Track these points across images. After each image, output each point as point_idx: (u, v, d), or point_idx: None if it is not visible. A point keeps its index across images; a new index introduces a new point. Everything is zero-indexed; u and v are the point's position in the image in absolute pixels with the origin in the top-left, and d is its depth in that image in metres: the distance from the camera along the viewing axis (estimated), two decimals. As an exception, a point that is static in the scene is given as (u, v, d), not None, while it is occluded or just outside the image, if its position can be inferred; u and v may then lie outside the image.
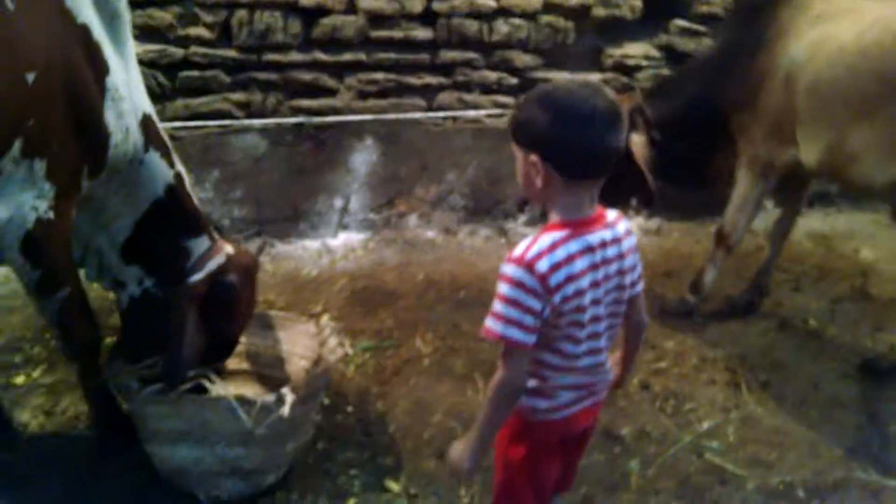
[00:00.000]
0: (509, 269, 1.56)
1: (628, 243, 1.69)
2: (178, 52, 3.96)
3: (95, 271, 2.59)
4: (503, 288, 1.56)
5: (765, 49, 3.36)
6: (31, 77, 2.03)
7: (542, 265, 1.54)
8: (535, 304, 1.55)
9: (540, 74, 4.61)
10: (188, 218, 2.56)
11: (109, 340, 3.01)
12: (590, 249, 1.60)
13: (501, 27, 4.46)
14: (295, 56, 4.16)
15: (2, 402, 2.65)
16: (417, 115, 4.36)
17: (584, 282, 1.59)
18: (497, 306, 1.57)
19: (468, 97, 4.56)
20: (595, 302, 1.63)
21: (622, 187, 3.51)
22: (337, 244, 4.36)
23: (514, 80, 4.62)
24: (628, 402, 3.08)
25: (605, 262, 1.63)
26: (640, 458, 2.76)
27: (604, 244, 1.63)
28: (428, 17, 4.33)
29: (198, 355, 2.42)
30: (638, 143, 3.56)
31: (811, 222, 4.99)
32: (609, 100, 1.53)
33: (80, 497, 2.39)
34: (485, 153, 4.56)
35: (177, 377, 2.31)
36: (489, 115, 4.59)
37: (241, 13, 4.00)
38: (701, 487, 2.64)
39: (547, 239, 1.58)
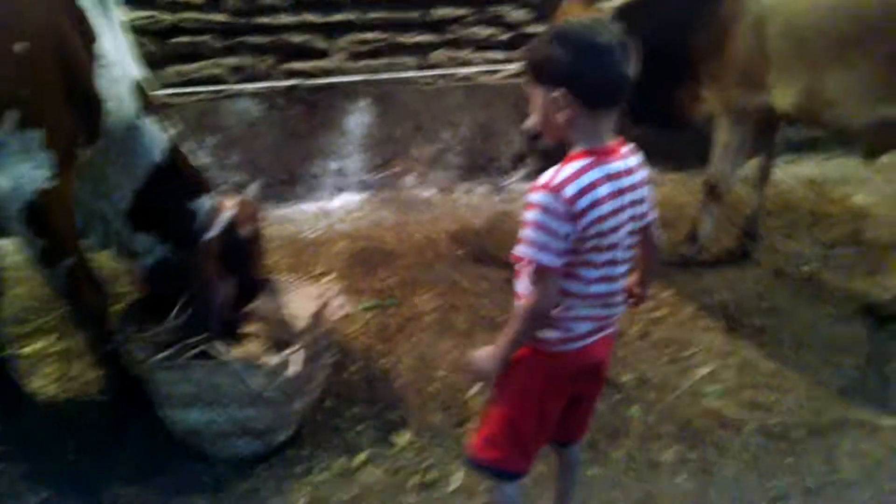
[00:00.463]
0: (538, 196, 1.63)
1: (640, 175, 1.75)
2: (168, 18, 3.92)
3: (101, 239, 2.62)
4: (532, 214, 1.64)
5: None
6: (22, 48, 2.04)
7: (570, 190, 1.61)
8: (564, 228, 1.62)
9: (532, 29, 4.58)
10: (189, 180, 2.60)
11: (118, 306, 3.07)
12: (610, 177, 1.67)
13: (492, -18, 4.42)
14: (285, 18, 4.13)
15: (14, 371, 2.69)
16: (410, 74, 4.34)
17: (606, 208, 1.66)
18: (527, 232, 1.65)
19: (460, 54, 4.54)
20: (614, 229, 1.69)
21: None
22: (334, 206, 4.38)
23: (505, 36, 4.59)
24: (628, 350, 3.14)
25: (621, 191, 1.69)
26: (640, 404, 2.83)
27: (620, 174, 1.69)
28: (418, -26, 4.30)
29: (229, 304, 2.55)
30: None
31: (803, 169, 5.02)
32: (620, 33, 1.63)
33: (93, 463, 2.45)
34: (478, 110, 4.55)
35: (214, 331, 2.44)
36: (481, 72, 4.57)
37: (229, -24, 3.96)
38: (701, 431, 2.70)
39: (572, 166, 1.65)
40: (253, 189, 2.86)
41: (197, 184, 2.63)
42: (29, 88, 2.10)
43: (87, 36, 2.28)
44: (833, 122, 3.15)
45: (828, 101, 3.09)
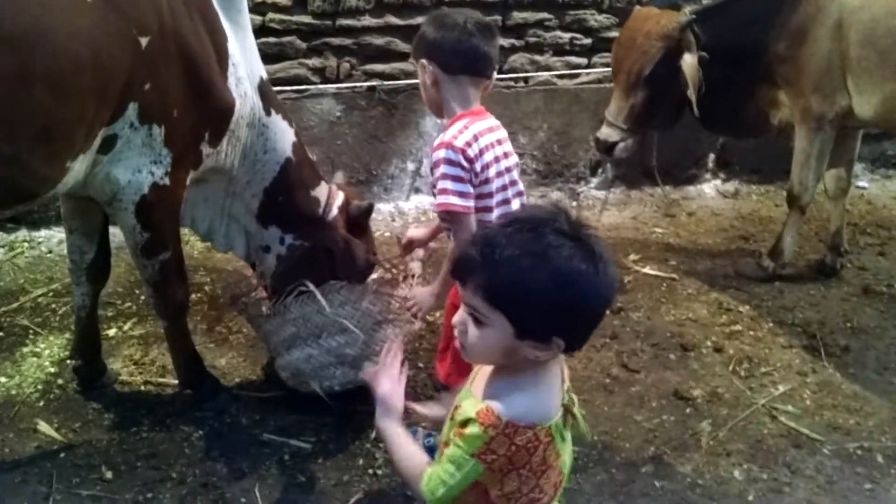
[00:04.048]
0: (440, 153, 2.01)
1: (503, 132, 2.16)
2: (256, 18, 4.04)
3: (226, 241, 2.72)
4: (440, 170, 2.00)
5: None
6: (143, 41, 2.09)
7: (460, 141, 2.00)
8: (466, 175, 1.99)
9: (614, 34, 4.52)
10: (313, 169, 2.73)
11: (195, 298, 3.19)
12: (490, 129, 2.08)
13: (575, -13, 4.39)
14: (368, 21, 4.20)
15: (101, 349, 2.82)
16: (489, 77, 4.35)
17: (490, 154, 2.04)
18: (439, 185, 2.00)
19: (540, 59, 4.52)
20: (499, 174, 2.08)
21: (667, 105, 3.49)
22: (410, 207, 4.42)
23: (587, 41, 4.54)
24: (700, 364, 3.05)
25: (500, 141, 2.10)
26: (711, 419, 2.75)
27: (493, 128, 2.11)
28: (500, -22, 4.30)
29: (361, 273, 2.71)
30: (688, 62, 3.30)
31: (898, 185, 4.78)
32: (483, 18, 2.10)
33: (164, 440, 2.54)
34: (556, 115, 4.52)
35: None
36: (561, 77, 4.54)
37: (316, -21, 4.06)
38: (774, 450, 2.62)
39: (457, 125, 2.05)
40: (339, 177, 2.99)
41: (316, 172, 2.75)
42: (150, 83, 2.14)
43: (219, 36, 2.34)
44: None
45: None
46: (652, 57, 3.38)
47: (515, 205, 2.13)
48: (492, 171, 2.05)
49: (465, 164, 1.98)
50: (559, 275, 1.23)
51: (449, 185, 1.99)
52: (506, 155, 2.11)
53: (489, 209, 2.09)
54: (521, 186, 2.19)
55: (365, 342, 2.55)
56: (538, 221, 1.29)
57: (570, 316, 1.27)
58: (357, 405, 2.60)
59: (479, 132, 2.04)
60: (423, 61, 2.07)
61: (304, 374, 2.60)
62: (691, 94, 3.29)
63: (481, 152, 2.02)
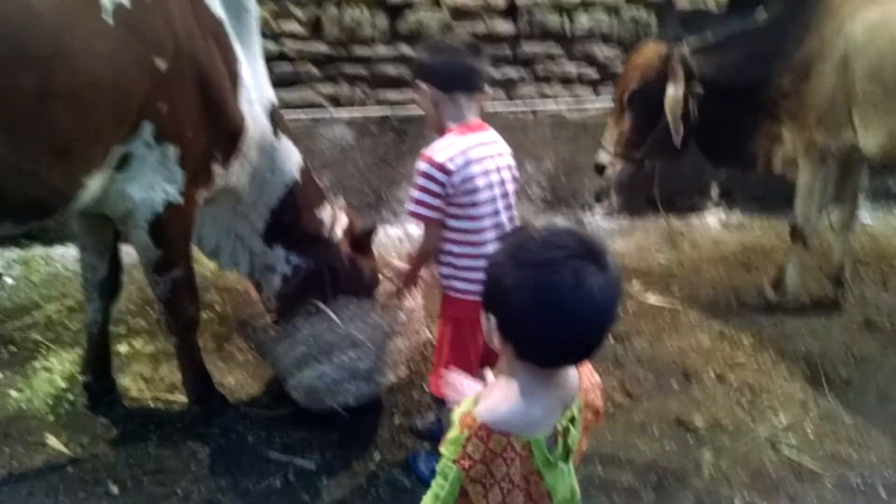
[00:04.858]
0: (420, 165, 2.17)
1: (503, 146, 2.28)
2: (272, 46, 4.15)
3: (232, 259, 2.77)
4: (416, 180, 2.17)
5: (814, 30, 3.22)
6: (161, 64, 2.16)
7: (440, 156, 2.13)
8: (438, 188, 2.14)
9: (620, 67, 4.60)
10: (318, 191, 2.78)
11: (205, 316, 3.24)
12: (479, 144, 2.19)
13: (583, 20, 4.48)
14: (381, 50, 4.30)
15: (112, 366, 2.87)
16: (497, 106, 4.42)
17: (477, 168, 2.16)
18: (412, 193, 2.19)
19: (548, 89, 4.60)
20: (489, 186, 2.20)
21: (656, 135, 3.49)
22: (417, 231, 4.46)
23: (594, 73, 4.62)
24: (702, 392, 3.07)
25: (489, 156, 2.21)
26: (713, 448, 2.76)
27: (486, 143, 2.22)
28: (510, 11, 4.39)
29: (367, 290, 2.76)
30: (669, 94, 3.37)
31: (901, 218, 4.81)
32: (469, 41, 2.29)
33: (172, 457, 2.57)
34: (563, 145, 4.58)
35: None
36: (569, 108, 4.61)
37: (332, 9, 4.16)
38: (775, 481, 2.62)
39: (445, 139, 2.20)
40: (339, 201, 3.01)
41: (321, 193, 2.81)
42: (166, 104, 2.21)
43: (232, 60, 2.41)
44: None
45: None
46: (632, 84, 3.50)
47: (504, 216, 2.26)
48: (479, 183, 2.18)
49: (439, 177, 2.13)
50: (534, 278, 1.21)
51: (419, 195, 2.16)
52: (500, 169, 2.23)
53: (476, 218, 2.22)
54: (511, 199, 2.31)
55: (377, 355, 2.60)
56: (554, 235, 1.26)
57: (528, 320, 1.23)
58: (371, 419, 2.66)
59: (469, 146, 2.17)
60: (423, 85, 2.22)
61: (318, 392, 2.62)
62: (671, 124, 3.37)
63: (467, 164, 2.15)
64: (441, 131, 2.27)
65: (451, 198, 2.18)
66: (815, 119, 3.27)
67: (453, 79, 2.20)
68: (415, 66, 2.33)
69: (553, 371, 1.33)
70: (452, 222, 2.23)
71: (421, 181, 2.16)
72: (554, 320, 1.22)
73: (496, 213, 2.24)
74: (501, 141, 2.30)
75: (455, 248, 2.25)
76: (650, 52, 3.52)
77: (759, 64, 3.38)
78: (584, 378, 1.40)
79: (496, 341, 1.32)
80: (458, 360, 2.20)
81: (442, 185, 2.14)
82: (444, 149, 2.16)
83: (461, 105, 2.22)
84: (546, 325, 1.22)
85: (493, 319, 1.30)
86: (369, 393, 2.67)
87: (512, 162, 2.30)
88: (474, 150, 2.18)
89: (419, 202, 2.18)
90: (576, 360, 1.35)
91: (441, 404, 2.33)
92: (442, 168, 2.13)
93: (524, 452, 1.29)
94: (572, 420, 1.35)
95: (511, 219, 2.29)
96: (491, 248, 2.13)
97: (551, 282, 1.20)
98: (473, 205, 2.20)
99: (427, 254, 2.32)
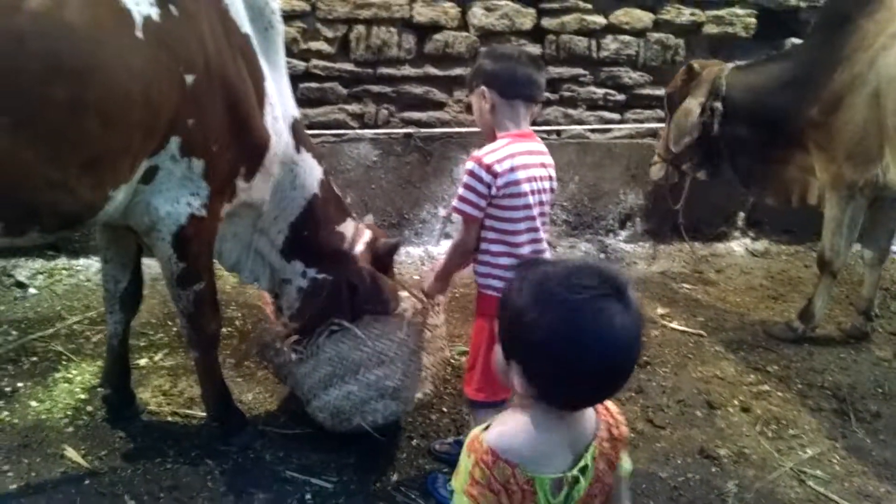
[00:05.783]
0: (469, 164, 2.22)
1: (549, 158, 2.33)
2: (300, 64, 4.18)
3: (252, 274, 2.77)
4: (464, 178, 2.22)
5: (845, 64, 3.19)
6: (190, 79, 2.18)
7: (489, 158, 2.19)
8: (484, 189, 2.18)
9: (647, 91, 4.59)
10: (339, 205, 2.78)
11: (226, 332, 3.23)
12: (530, 152, 2.25)
13: (610, 44, 4.48)
14: (408, 70, 4.32)
15: (132, 379, 2.86)
16: (523, 129, 4.43)
17: (522, 174, 2.20)
18: (459, 191, 2.23)
19: (574, 112, 4.59)
20: (532, 192, 2.24)
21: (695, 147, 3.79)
22: (439, 252, 4.46)
23: (621, 97, 4.62)
24: (727, 423, 3.01)
25: (535, 164, 2.25)
26: (737, 480, 2.70)
27: (533, 152, 2.27)
28: (537, 34, 4.40)
29: (387, 307, 2.72)
30: (683, 105, 3.73)
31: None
32: (531, 53, 2.43)
33: (189, 472, 2.55)
34: (587, 168, 4.57)
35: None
36: (594, 131, 4.60)
37: (360, 29, 4.19)
38: (802, 516, 2.56)
39: (496, 143, 2.26)
40: (368, 219, 3.04)
41: (344, 208, 2.81)
42: (194, 118, 2.22)
43: (258, 76, 2.42)
44: None
45: None
46: (668, 94, 3.91)
47: (538, 222, 2.31)
48: (524, 188, 2.22)
49: (486, 178, 2.18)
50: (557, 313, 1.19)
51: (465, 192, 2.22)
52: (541, 178, 2.28)
53: (514, 220, 2.26)
54: (547, 208, 2.36)
55: (404, 372, 2.58)
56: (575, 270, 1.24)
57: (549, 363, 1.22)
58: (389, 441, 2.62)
59: (517, 152, 2.22)
60: (483, 88, 2.28)
61: (345, 412, 2.58)
62: (671, 129, 3.72)
63: (512, 169, 2.19)
64: (492, 137, 2.30)
65: (493, 199, 2.22)
66: (845, 153, 3.24)
67: (515, 86, 2.26)
68: (476, 70, 2.36)
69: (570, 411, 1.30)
70: (492, 223, 2.27)
71: (468, 180, 2.21)
72: (578, 362, 1.19)
73: (532, 218, 2.28)
74: (548, 153, 2.33)
75: (493, 248, 2.28)
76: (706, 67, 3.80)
77: (790, 92, 3.37)
78: (602, 426, 1.37)
79: (516, 384, 1.28)
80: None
81: (487, 185, 2.19)
82: (494, 151, 2.21)
83: (519, 113, 2.28)
84: (569, 366, 1.20)
85: (512, 361, 1.27)
86: (397, 411, 2.64)
87: (554, 174, 2.34)
88: (522, 157, 2.22)
89: (464, 199, 2.23)
90: (598, 399, 1.33)
91: (475, 407, 2.34)
92: (489, 169, 2.18)
93: (527, 488, 1.26)
94: (584, 469, 1.31)
95: (543, 224, 2.34)
96: (526, 251, 2.27)
97: (575, 324, 1.18)
98: (514, 208, 2.24)
99: (463, 248, 2.34)
